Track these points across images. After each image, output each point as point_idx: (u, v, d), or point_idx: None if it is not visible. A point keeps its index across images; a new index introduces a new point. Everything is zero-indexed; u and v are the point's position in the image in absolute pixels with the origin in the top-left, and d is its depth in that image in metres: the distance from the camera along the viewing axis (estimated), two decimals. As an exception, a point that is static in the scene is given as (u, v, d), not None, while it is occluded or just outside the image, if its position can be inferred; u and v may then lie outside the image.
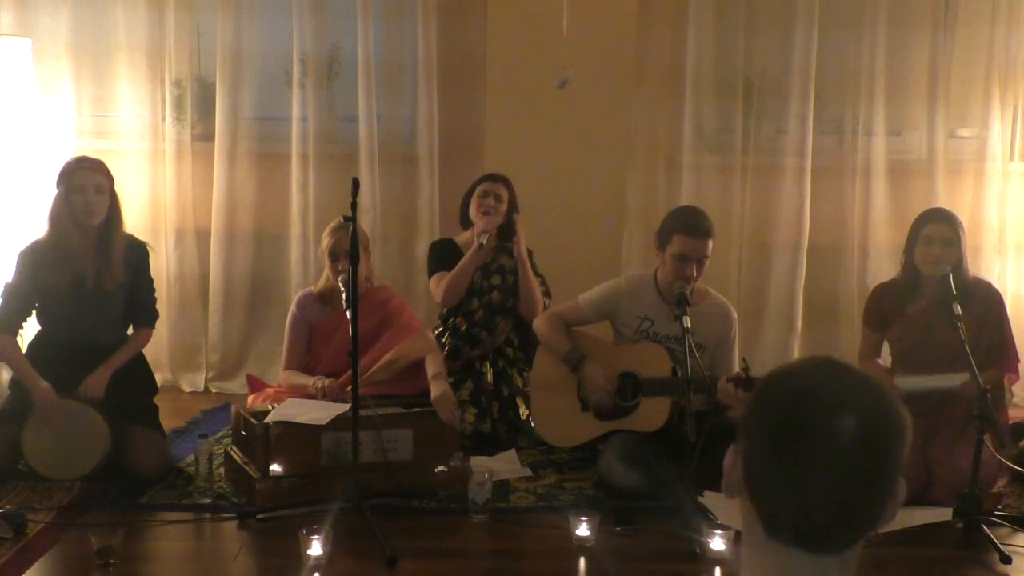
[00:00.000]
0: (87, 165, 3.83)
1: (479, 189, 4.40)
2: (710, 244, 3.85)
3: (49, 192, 3.87)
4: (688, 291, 3.73)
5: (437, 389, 3.82)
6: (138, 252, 3.96)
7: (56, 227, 3.79)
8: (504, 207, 4.37)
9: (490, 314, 4.40)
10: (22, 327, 3.92)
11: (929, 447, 3.67)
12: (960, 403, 3.65)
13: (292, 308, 4.17)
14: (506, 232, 4.38)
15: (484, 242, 4.25)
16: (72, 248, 3.80)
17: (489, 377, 4.34)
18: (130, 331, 4.03)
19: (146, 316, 4.03)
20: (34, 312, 3.90)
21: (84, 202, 3.77)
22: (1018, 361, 3.94)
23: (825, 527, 1.25)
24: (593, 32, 4.97)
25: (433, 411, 3.76)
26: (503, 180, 4.42)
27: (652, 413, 3.80)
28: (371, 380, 3.92)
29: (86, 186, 3.78)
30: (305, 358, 4.14)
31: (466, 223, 4.44)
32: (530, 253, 4.48)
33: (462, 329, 4.41)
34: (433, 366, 3.94)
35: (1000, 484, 3.63)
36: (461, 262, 4.30)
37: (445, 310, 4.45)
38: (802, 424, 1.24)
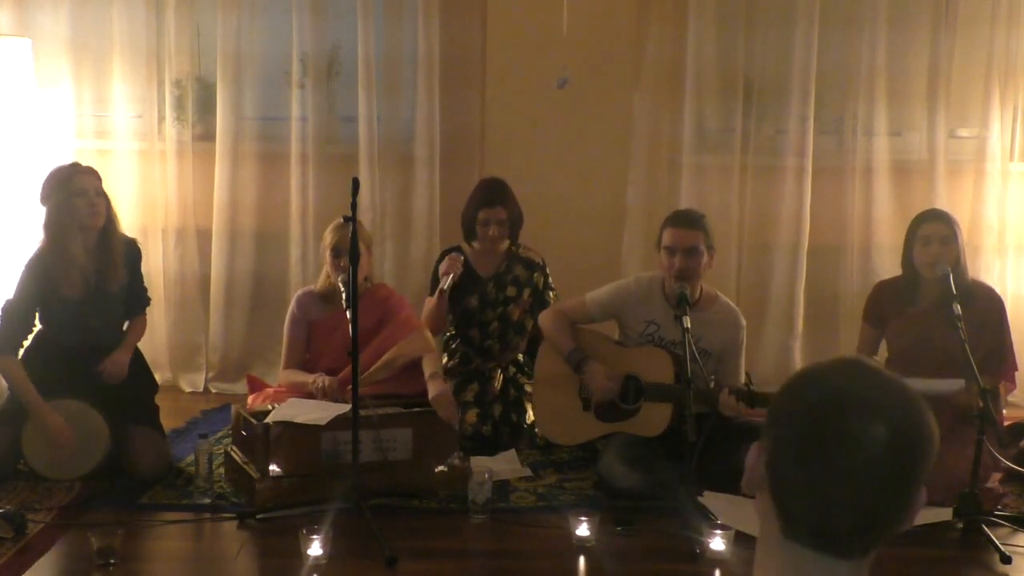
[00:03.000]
0: (83, 169, 3.83)
1: (480, 216, 4.31)
2: (698, 236, 3.84)
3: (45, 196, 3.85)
4: (688, 291, 3.73)
5: (435, 388, 3.82)
6: (133, 251, 3.99)
7: (58, 234, 3.77)
8: (506, 228, 4.34)
9: (505, 327, 4.40)
10: (22, 344, 3.89)
11: None
12: (949, 405, 3.65)
13: (292, 306, 4.17)
14: (514, 233, 4.40)
15: (446, 287, 4.23)
16: (75, 254, 3.79)
17: (497, 383, 4.33)
18: (125, 326, 4.06)
19: (140, 304, 4.07)
20: (36, 315, 3.90)
21: (89, 204, 3.77)
22: (1015, 369, 3.93)
23: (845, 532, 1.24)
24: (593, 32, 4.97)
25: (432, 410, 3.76)
26: (501, 199, 4.32)
27: (653, 418, 3.80)
28: (371, 379, 3.91)
29: (87, 189, 3.78)
30: (305, 356, 4.15)
31: (470, 237, 4.41)
32: (543, 266, 4.47)
33: (476, 341, 4.41)
34: (430, 366, 3.93)
35: (994, 479, 3.63)
36: (428, 307, 4.30)
37: (455, 317, 4.44)
38: (833, 428, 1.22)
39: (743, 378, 3.95)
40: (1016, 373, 3.97)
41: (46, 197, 3.80)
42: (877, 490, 1.22)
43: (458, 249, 4.44)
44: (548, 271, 4.48)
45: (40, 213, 3.84)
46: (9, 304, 3.83)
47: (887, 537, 1.26)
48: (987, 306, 3.86)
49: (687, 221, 3.87)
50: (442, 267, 4.29)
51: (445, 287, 4.23)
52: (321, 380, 3.90)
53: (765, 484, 1.29)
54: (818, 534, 1.25)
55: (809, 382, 1.28)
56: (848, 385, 1.25)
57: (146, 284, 4.13)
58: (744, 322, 4.03)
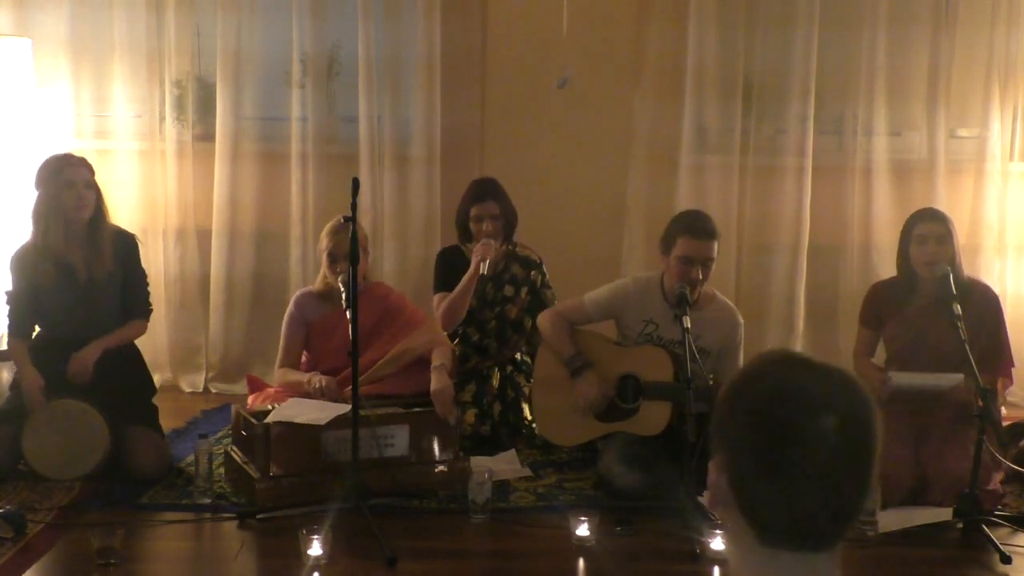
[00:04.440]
0: (75, 161, 3.86)
1: (473, 213, 4.31)
2: (715, 246, 3.83)
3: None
4: (689, 291, 3.72)
5: (436, 382, 3.81)
6: (127, 243, 3.99)
7: (41, 225, 3.81)
8: (500, 222, 4.31)
9: (503, 326, 4.39)
10: (33, 330, 3.94)
11: (920, 448, 3.67)
12: (949, 404, 3.65)
13: (290, 307, 4.17)
14: (508, 231, 4.37)
15: (486, 271, 4.17)
16: (58, 244, 3.82)
17: (495, 381, 4.33)
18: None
19: (140, 309, 4.06)
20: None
21: (76, 197, 3.80)
22: (1012, 366, 3.92)
23: (822, 526, 1.24)
24: (593, 32, 4.98)
25: (431, 409, 3.76)
26: (492, 194, 4.31)
27: (653, 417, 3.80)
28: (378, 373, 3.92)
29: (76, 181, 3.81)
30: (301, 356, 4.15)
31: (466, 238, 4.40)
32: (540, 264, 4.47)
33: (474, 339, 4.40)
34: (439, 358, 3.91)
35: (996, 480, 3.63)
36: (459, 287, 4.24)
37: None
38: (785, 429, 1.22)
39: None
40: (1014, 370, 3.96)
41: (37, 184, 3.84)
42: (843, 478, 1.22)
43: (455, 250, 4.44)
44: (546, 269, 4.48)
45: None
46: (11, 294, 3.89)
47: (858, 518, 1.27)
48: (984, 303, 3.85)
49: (706, 232, 3.81)
50: (476, 251, 4.21)
51: (485, 271, 4.17)
52: (319, 380, 3.89)
53: (730, 500, 1.28)
54: (796, 534, 1.25)
55: (745, 387, 1.27)
56: (786, 382, 1.24)
57: (149, 289, 4.11)
58: (742, 320, 4.03)
